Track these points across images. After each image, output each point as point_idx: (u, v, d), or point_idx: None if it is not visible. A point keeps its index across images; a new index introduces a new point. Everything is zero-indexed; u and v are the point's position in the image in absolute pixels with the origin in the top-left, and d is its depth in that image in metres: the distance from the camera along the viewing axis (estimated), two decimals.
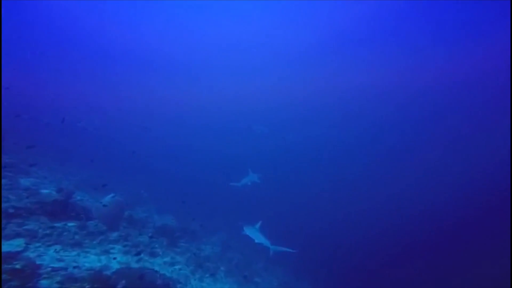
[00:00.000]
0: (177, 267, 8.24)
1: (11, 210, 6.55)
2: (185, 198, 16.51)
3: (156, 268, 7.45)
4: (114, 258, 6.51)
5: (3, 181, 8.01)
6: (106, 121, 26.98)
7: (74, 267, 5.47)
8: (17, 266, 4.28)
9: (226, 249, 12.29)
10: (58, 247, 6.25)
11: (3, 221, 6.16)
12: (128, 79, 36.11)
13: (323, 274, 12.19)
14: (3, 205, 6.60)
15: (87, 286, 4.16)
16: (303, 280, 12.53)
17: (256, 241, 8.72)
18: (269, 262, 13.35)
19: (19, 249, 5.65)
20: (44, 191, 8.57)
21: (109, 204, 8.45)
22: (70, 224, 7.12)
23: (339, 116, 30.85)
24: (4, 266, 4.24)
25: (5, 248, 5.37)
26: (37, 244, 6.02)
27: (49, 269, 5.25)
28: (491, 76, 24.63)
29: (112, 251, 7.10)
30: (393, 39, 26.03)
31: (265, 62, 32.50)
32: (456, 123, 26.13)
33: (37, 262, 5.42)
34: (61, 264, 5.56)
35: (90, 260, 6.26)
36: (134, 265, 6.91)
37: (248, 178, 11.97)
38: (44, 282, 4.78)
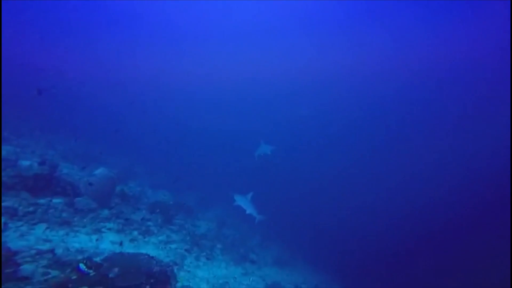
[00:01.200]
0: (173, 246, 7.97)
1: None
2: (179, 173, 16.21)
3: (151, 247, 7.15)
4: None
5: None
6: (98, 91, 25.29)
7: (63, 249, 5.00)
8: None
9: (221, 226, 12.19)
10: (43, 225, 5.72)
11: None
12: (128, 48, 32.96)
13: (318, 253, 12.46)
14: None
15: (74, 277, 3.69)
16: (297, 257, 12.83)
17: (247, 212, 9.00)
18: (264, 238, 13.52)
19: None
20: (25, 162, 7.79)
21: (100, 179, 7.83)
22: (56, 200, 6.51)
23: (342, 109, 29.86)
24: None
25: None
26: (19, 223, 5.45)
27: (34, 251, 4.76)
28: (492, 72, 24.22)
29: (104, 229, 6.66)
30: (391, 33, 24.72)
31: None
32: (457, 119, 25.93)
33: (20, 243, 4.91)
34: (47, 246, 5.07)
35: (80, 240, 5.80)
36: (128, 245, 6.55)
37: (260, 150, 11.18)
38: (27, 267, 4.29)
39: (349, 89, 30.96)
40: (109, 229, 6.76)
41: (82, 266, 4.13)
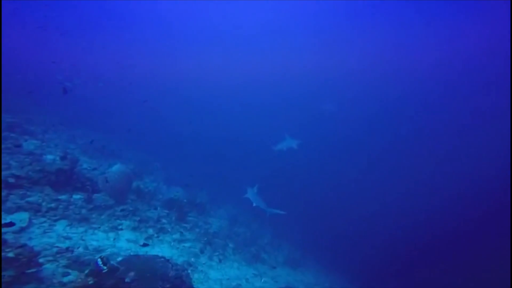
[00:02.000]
0: (186, 244, 7.95)
1: (11, 180, 5.95)
2: (193, 169, 16.28)
3: (166, 247, 7.14)
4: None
5: (3, 144, 7.34)
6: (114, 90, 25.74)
7: (82, 248, 5.02)
8: (13, 253, 3.72)
9: (233, 223, 12.13)
10: (64, 222, 5.79)
11: (4, 192, 5.61)
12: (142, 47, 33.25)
13: (329, 252, 12.19)
14: (3, 173, 5.99)
15: (90, 281, 3.63)
16: (309, 256, 12.62)
17: (254, 204, 9.55)
18: (274, 236, 13.38)
19: (23, 224, 5.17)
20: (49, 156, 7.95)
21: (116, 175, 7.88)
22: (75, 196, 6.59)
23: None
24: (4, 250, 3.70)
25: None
26: (42, 219, 5.53)
27: (55, 249, 4.80)
28: (493, 75, 23.04)
29: (120, 227, 6.69)
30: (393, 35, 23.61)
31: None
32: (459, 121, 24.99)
33: (43, 240, 4.98)
34: (67, 243, 5.11)
35: (98, 237, 5.84)
36: (143, 245, 6.54)
37: (284, 143, 11.34)
38: (48, 266, 4.32)
39: (353, 95, 30.06)
40: (126, 226, 6.79)
41: (99, 262, 4.08)
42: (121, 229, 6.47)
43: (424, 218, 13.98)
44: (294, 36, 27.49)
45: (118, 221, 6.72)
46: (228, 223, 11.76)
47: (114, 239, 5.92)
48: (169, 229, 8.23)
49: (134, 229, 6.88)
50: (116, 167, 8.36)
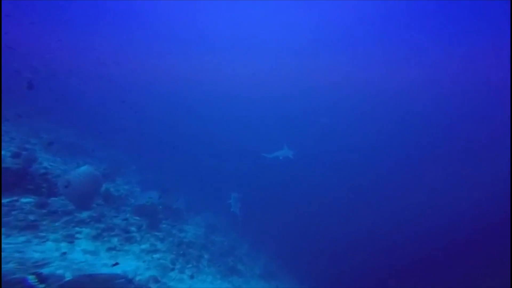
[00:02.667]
0: (156, 255, 7.12)
1: None
2: (173, 172, 15.26)
3: (131, 258, 6.28)
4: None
5: None
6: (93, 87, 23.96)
7: (15, 263, 4.08)
8: None
9: (210, 232, 11.34)
10: None
11: None
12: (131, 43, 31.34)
13: (307, 265, 11.72)
14: None
15: None
16: (285, 268, 12.09)
17: (232, 209, 10.38)
18: (252, 246, 12.74)
19: None
20: None
21: (82, 178, 6.92)
22: (24, 200, 5.59)
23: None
24: None
25: None
26: None
27: None
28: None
29: (78, 236, 5.76)
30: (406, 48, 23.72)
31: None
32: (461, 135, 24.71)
33: None
34: None
35: (44, 248, 4.89)
36: (104, 255, 5.67)
37: (281, 152, 11.76)
38: None
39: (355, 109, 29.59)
40: (85, 235, 5.87)
41: (30, 280, 3.26)
42: (78, 238, 5.56)
43: (399, 239, 13.47)
44: (291, 42, 27.13)
45: (77, 229, 5.79)
46: (205, 232, 10.97)
47: (65, 251, 5.00)
48: (138, 238, 7.35)
49: (95, 238, 5.97)
50: (83, 169, 7.38)
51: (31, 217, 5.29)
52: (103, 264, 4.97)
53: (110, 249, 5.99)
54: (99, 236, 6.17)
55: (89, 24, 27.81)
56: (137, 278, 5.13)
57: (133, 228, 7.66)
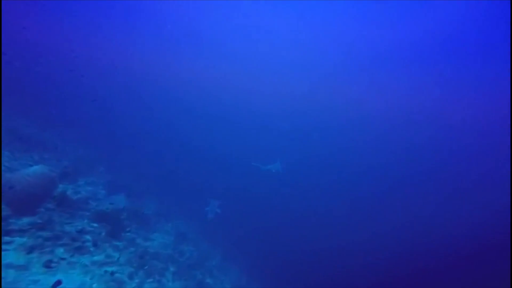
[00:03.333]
0: (111, 269, 6.28)
1: None
2: (146, 175, 14.18)
3: (77, 273, 5.42)
4: None
5: None
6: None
7: None
8: None
9: (180, 241, 10.54)
10: None
11: None
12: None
13: (281, 279, 11.14)
14: None
15: None
16: (257, 283, 11.49)
17: (209, 216, 10.35)
18: (225, 257, 12.04)
19: None
20: None
21: (31, 179, 6.01)
22: None
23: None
24: None
25: None
26: None
27: None
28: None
29: (6, 247, 4.85)
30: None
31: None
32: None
33: None
34: None
35: None
36: (38, 270, 4.79)
37: (274, 166, 11.66)
38: None
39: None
40: (18, 246, 4.97)
41: None
42: (6, 250, 4.66)
43: (381, 257, 12.70)
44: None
45: (7, 238, 4.88)
46: (174, 241, 10.14)
47: None
48: (92, 249, 6.47)
49: (31, 248, 5.08)
50: (35, 168, 6.45)
51: None
52: (32, 281, 4.15)
53: (48, 261, 5.12)
54: (37, 247, 5.28)
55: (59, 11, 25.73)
56: None
57: (87, 237, 6.76)
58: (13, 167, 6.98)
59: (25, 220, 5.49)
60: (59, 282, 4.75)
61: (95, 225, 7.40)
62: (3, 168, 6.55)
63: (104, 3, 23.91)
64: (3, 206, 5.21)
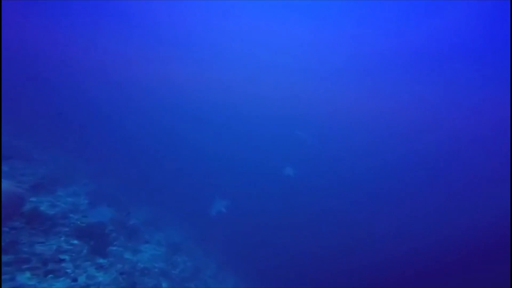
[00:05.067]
0: None
1: None
2: (136, 180, 13.04)
3: None
4: None
5: None
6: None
7: None
8: None
9: (173, 252, 9.59)
10: None
11: None
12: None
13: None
14: None
15: None
16: None
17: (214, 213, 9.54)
18: (221, 266, 11.18)
19: None
20: None
21: None
22: None
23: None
24: None
25: None
26: None
27: None
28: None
29: None
30: None
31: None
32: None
33: None
34: None
35: None
36: None
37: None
38: None
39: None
40: None
41: None
42: None
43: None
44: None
45: None
46: (166, 252, 9.20)
47: None
48: (69, 270, 5.48)
49: None
50: None
51: None
52: None
53: None
54: None
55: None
56: None
57: (65, 256, 5.75)
58: None
59: None
60: None
61: (74, 242, 6.38)
62: None
63: (102, 4, 22.34)
64: None
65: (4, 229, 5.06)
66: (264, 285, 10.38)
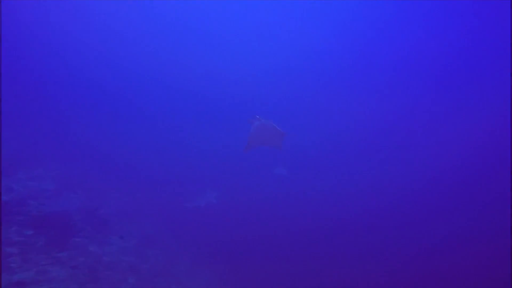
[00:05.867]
0: None
1: None
2: (111, 164, 11.93)
3: None
4: None
5: None
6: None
7: None
8: None
9: (144, 244, 9.07)
10: None
11: None
12: None
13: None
14: None
15: None
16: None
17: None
18: (197, 259, 10.76)
19: None
20: None
21: None
22: None
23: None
24: None
25: None
26: None
27: None
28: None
29: None
30: None
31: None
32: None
33: None
34: None
35: None
36: None
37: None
38: None
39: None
40: None
41: None
42: None
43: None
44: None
45: None
46: (136, 244, 8.66)
47: None
48: (14, 265, 4.86)
49: None
50: None
51: None
52: None
53: None
54: None
55: None
56: None
57: (12, 249, 5.11)
58: None
59: None
60: None
61: (28, 232, 5.72)
62: None
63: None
64: None
65: None
66: (240, 285, 10.04)
